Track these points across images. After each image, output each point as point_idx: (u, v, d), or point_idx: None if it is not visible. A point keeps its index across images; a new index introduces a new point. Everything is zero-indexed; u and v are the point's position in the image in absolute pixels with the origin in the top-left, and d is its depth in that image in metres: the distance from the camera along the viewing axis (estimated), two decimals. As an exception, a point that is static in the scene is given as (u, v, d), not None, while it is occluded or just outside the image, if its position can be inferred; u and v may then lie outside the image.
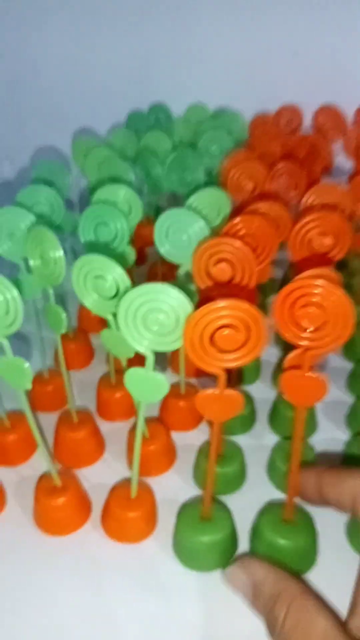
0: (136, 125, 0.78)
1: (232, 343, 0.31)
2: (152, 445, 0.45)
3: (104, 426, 0.51)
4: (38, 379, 0.53)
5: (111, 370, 0.52)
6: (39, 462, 0.46)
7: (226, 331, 0.30)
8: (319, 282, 0.30)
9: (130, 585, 0.38)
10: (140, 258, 0.72)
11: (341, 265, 0.70)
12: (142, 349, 0.33)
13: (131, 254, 0.49)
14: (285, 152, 0.66)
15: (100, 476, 0.46)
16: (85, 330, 0.61)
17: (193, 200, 0.47)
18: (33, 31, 0.86)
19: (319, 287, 0.30)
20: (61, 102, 0.89)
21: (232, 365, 0.31)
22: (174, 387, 0.52)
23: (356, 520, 0.39)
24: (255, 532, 0.39)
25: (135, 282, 0.68)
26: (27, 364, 0.35)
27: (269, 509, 0.40)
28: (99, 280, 0.36)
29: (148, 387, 0.35)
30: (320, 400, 0.33)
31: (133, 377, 0.35)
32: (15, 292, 0.33)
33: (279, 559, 0.36)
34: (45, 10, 0.85)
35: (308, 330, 0.31)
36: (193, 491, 0.44)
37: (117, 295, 0.36)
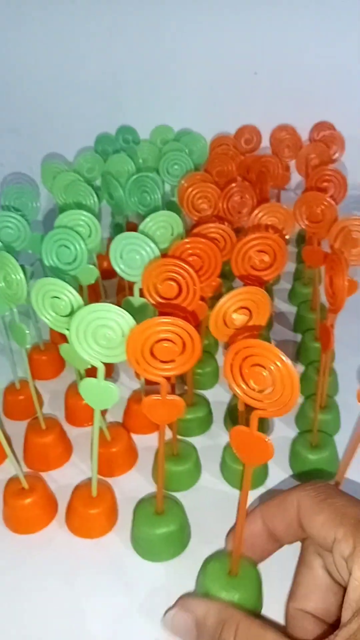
0: (104, 147, 0.82)
1: (169, 354, 0.35)
2: (114, 448, 0.49)
3: (73, 431, 0.55)
4: (10, 389, 0.57)
5: (78, 380, 0.55)
6: (10, 467, 0.50)
7: (165, 344, 0.35)
8: (266, 346, 0.29)
9: (94, 577, 0.41)
10: (112, 272, 0.76)
11: (297, 277, 0.76)
12: (92, 361, 0.37)
13: (94, 273, 0.53)
14: (240, 171, 0.71)
15: (67, 478, 0.49)
16: (56, 342, 0.65)
17: (148, 221, 0.51)
18: (3, 52, 0.89)
19: (265, 352, 0.29)
20: (33, 124, 0.93)
21: (170, 374, 0.35)
22: (136, 393, 0.56)
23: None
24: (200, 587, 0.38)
25: (107, 292, 0.72)
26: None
27: (214, 563, 0.38)
28: (55, 300, 0.40)
29: (101, 394, 0.39)
30: (265, 461, 0.34)
31: (87, 386, 0.39)
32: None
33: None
34: (17, 32, 0.88)
35: (256, 390, 0.30)
36: (153, 489, 0.48)
37: (72, 312, 0.40)
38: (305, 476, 0.48)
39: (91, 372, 0.40)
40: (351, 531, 0.30)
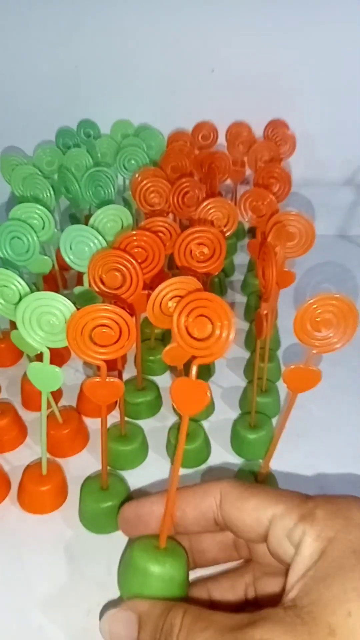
0: (65, 140, 0.84)
1: (107, 339, 0.38)
2: (65, 430, 0.52)
3: (29, 416, 0.57)
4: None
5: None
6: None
7: (103, 329, 0.37)
8: (204, 295, 0.32)
9: (41, 549, 0.44)
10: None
11: (250, 268, 0.79)
12: (37, 346, 0.40)
13: (48, 263, 0.55)
14: (195, 167, 0.74)
15: (21, 459, 0.52)
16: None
17: (99, 214, 0.54)
18: None
19: (206, 300, 0.32)
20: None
21: (107, 357, 0.38)
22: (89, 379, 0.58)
23: None
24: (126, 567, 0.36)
25: (67, 283, 0.74)
26: None
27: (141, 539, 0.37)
28: (4, 289, 0.43)
29: (47, 378, 0.41)
30: (203, 408, 0.33)
31: (34, 370, 0.41)
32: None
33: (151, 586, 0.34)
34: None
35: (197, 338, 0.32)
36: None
37: (20, 298, 0.43)
38: (244, 454, 0.52)
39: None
40: (292, 506, 0.30)
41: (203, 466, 0.51)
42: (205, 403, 0.33)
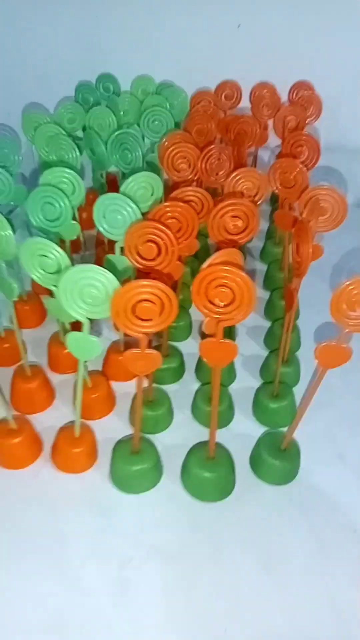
0: (85, 96, 0.82)
1: (149, 313, 0.38)
2: (94, 394, 0.54)
3: (55, 378, 0.59)
4: (-6, 337, 0.60)
5: (60, 330, 0.59)
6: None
7: (146, 304, 0.38)
8: (226, 267, 0.37)
9: (76, 505, 0.47)
10: (91, 224, 0.77)
11: (269, 235, 0.79)
12: (78, 317, 0.41)
13: (76, 229, 0.55)
14: (220, 129, 0.72)
15: (51, 420, 0.54)
16: (38, 292, 0.68)
17: (130, 181, 0.53)
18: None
19: (227, 272, 0.37)
20: (10, 74, 0.91)
21: (149, 331, 0.39)
22: (115, 344, 0.59)
23: (258, 454, 0.49)
24: (184, 468, 0.48)
25: (87, 245, 0.74)
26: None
27: (195, 449, 0.48)
28: (44, 258, 0.43)
29: (85, 347, 0.43)
30: (231, 361, 0.40)
31: (73, 339, 0.42)
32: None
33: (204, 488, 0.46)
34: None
35: (221, 305, 0.38)
36: (129, 431, 0.53)
37: (59, 269, 0.43)
38: (266, 422, 0.54)
39: (75, 325, 0.44)
40: None
41: (224, 430, 0.53)
42: (233, 357, 0.40)
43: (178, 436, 0.53)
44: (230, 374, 0.59)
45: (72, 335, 0.42)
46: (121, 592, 0.41)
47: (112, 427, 0.54)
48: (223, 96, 0.85)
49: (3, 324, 0.62)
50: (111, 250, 0.54)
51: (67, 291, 0.40)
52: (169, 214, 0.49)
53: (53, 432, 0.51)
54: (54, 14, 0.87)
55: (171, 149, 0.61)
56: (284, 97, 0.83)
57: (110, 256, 0.52)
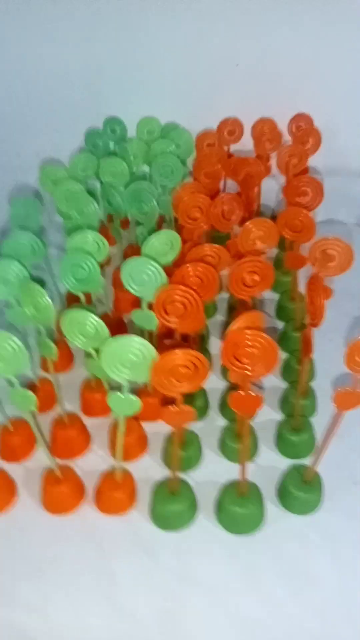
0: (94, 141, 0.86)
1: (185, 377, 0.43)
2: (129, 437, 0.58)
3: (88, 422, 0.63)
4: (29, 385, 0.64)
5: (92, 380, 0.63)
6: (39, 457, 0.58)
7: (182, 369, 0.43)
8: (250, 332, 0.42)
9: (120, 544, 0.51)
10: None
11: (277, 265, 0.83)
12: (120, 380, 0.45)
13: (102, 283, 0.60)
14: (226, 170, 0.77)
15: (89, 464, 0.58)
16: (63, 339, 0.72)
17: (152, 240, 0.58)
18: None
19: (252, 335, 0.42)
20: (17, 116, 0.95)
21: (186, 391, 0.43)
22: (143, 389, 0.64)
23: (285, 487, 0.53)
24: (219, 506, 0.53)
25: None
26: (31, 394, 0.47)
27: (228, 487, 0.53)
28: (83, 326, 0.48)
29: (126, 405, 0.47)
30: (257, 411, 0.46)
31: (115, 399, 0.47)
32: (20, 343, 0.44)
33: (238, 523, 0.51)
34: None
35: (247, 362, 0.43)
36: (163, 470, 0.57)
37: (97, 332, 0.48)
38: (288, 454, 0.58)
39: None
40: None
41: (251, 463, 0.58)
42: (259, 407, 0.45)
43: (208, 472, 0.57)
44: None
45: (115, 396, 0.46)
46: (169, 622, 0.46)
47: (146, 467, 0.58)
48: (226, 132, 0.89)
49: (36, 372, 0.66)
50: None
51: (109, 358, 0.44)
52: (191, 273, 0.53)
53: (94, 476, 0.56)
54: (58, 64, 0.91)
55: (185, 199, 0.65)
56: (282, 127, 0.87)
57: (137, 312, 0.56)
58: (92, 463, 0.58)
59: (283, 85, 0.91)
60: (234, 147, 0.90)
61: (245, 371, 0.43)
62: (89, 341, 0.49)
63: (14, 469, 0.58)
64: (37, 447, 0.59)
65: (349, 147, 0.96)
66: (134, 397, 0.46)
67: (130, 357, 0.44)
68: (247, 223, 0.60)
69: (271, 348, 0.42)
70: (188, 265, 0.52)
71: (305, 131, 0.85)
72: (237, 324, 0.44)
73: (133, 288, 0.54)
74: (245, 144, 0.89)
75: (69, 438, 0.58)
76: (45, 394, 0.63)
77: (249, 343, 0.42)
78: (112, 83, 0.92)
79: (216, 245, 0.57)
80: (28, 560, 0.50)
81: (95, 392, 0.63)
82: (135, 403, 0.47)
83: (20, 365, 0.46)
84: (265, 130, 0.86)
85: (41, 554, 0.51)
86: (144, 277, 0.54)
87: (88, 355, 0.52)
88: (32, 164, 0.85)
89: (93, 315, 0.47)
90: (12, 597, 0.48)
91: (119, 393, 0.46)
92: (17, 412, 0.53)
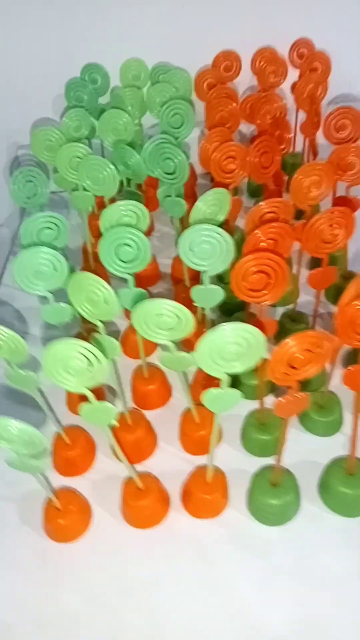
0: (76, 94, 0.75)
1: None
2: (202, 430, 0.51)
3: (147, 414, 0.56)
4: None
5: (144, 365, 0.56)
6: (99, 466, 0.52)
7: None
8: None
9: (227, 551, 0.46)
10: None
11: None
12: (217, 374, 0.38)
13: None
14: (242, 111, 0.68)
15: (159, 464, 0.52)
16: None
17: (200, 204, 0.50)
18: None
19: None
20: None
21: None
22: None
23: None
24: (326, 487, 0.48)
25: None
26: (112, 406, 0.40)
27: (333, 467, 0.48)
28: (163, 318, 0.40)
29: (223, 401, 0.40)
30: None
31: (210, 395, 0.40)
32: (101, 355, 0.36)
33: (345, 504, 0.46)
34: None
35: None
36: (244, 457, 0.52)
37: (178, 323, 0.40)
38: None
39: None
40: None
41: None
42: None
43: (300, 452, 0.52)
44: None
45: (211, 392, 0.39)
46: (306, 632, 0.41)
47: (225, 457, 0.52)
48: (222, 69, 0.79)
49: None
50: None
51: (206, 352, 0.37)
52: (262, 238, 0.45)
53: (170, 477, 0.50)
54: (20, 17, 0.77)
55: (215, 153, 0.57)
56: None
57: (199, 287, 0.48)
58: (163, 462, 0.52)
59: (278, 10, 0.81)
60: (232, 85, 0.80)
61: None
62: (166, 333, 0.41)
63: (78, 484, 0.51)
64: (113, 457, 0.52)
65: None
66: (234, 391, 0.40)
67: (230, 348, 0.37)
68: (299, 172, 0.52)
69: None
70: (257, 231, 0.45)
71: (309, 57, 0.77)
72: (348, 296, 0.38)
73: (195, 263, 0.46)
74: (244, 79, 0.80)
75: (137, 439, 0.51)
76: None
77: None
78: (87, 27, 0.79)
79: (275, 199, 0.49)
80: (127, 585, 0.44)
81: (147, 382, 0.56)
82: (235, 396, 0.40)
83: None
84: (266, 61, 0.77)
85: (140, 575, 0.45)
86: (206, 247, 0.46)
87: (164, 348, 0.44)
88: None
89: (170, 304, 0.39)
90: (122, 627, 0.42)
91: (215, 389, 0.39)
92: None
